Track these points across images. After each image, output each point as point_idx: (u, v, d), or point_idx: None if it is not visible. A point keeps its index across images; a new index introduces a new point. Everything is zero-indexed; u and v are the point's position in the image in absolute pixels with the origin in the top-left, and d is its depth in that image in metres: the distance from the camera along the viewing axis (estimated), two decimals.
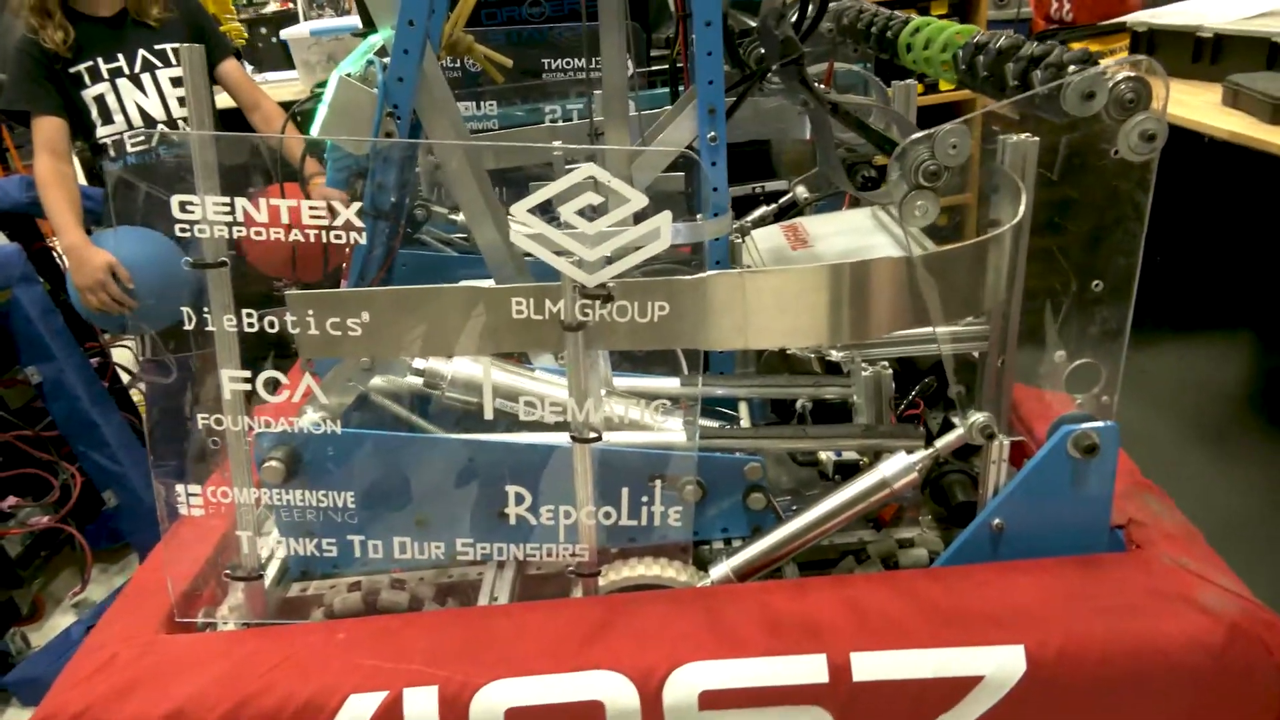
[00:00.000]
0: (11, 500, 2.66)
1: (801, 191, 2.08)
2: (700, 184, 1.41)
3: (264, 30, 5.87)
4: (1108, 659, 0.95)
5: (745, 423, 1.28)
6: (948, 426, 1.24)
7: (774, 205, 2.10)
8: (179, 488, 1.02)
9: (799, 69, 1.24)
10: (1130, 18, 2.78)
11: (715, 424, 1.31)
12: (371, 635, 1.03)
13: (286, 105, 2.92)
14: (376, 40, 1.40)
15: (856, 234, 1.70)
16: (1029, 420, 1.34)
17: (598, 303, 0.92)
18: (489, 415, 0.99)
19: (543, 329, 0.94)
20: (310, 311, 0.93)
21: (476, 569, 1.20)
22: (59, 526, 2.64)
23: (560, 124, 2.04)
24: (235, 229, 0.91)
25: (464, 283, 0.94)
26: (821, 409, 1.38)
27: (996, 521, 1.06)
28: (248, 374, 0.97)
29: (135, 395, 3.30)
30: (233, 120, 2.89)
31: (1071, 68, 0.95)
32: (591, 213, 0.90)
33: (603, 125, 1.42)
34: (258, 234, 0.92)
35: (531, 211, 0.90)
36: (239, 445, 1.00)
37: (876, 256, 1.54)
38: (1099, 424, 1.02)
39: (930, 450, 1.07)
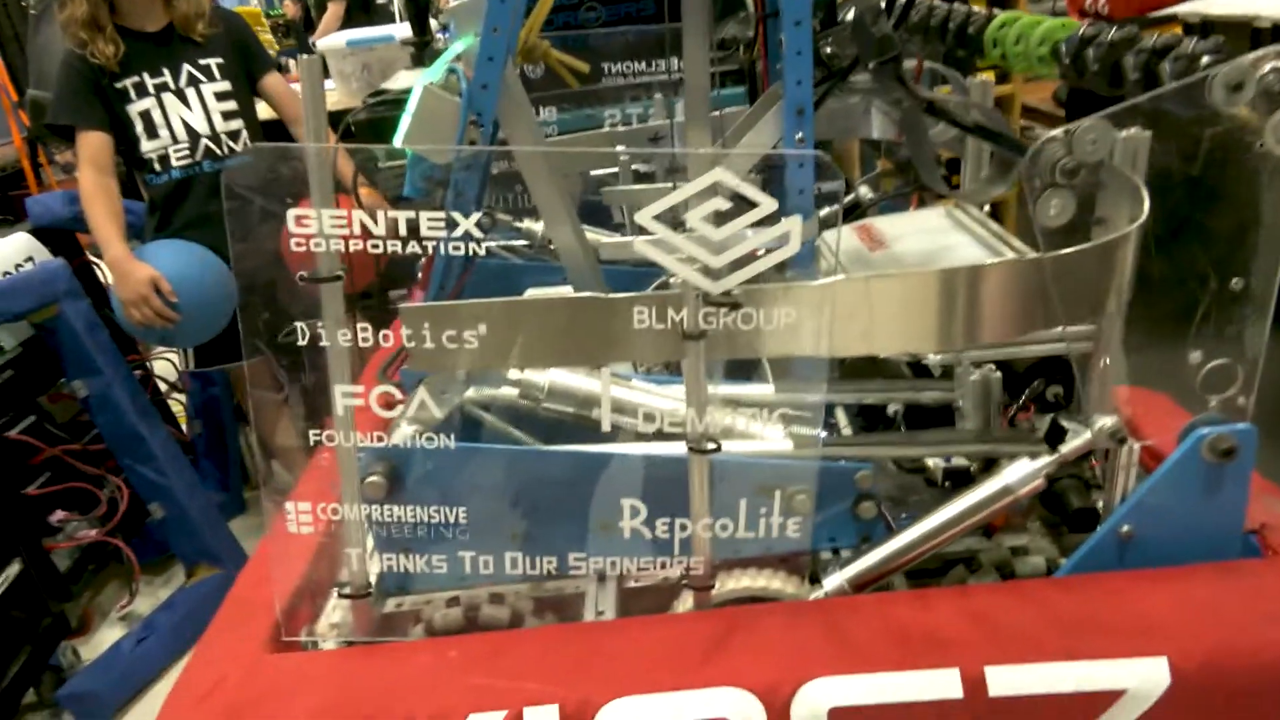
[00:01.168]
0: (60, 514, 2.66)
1: (865, 192, 2.05)
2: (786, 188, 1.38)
3: (289, 39, 5.87)
4: (1254, 669, 0.91)
5: (845, 429, 1.25)
6: (1055, 430, 1.21)
7: (833, 206, 2.07)
8: (288, 505, 0.99)
9: (896, 67, 1.21)
10: (1183, 8, 2.73)
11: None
12: (484, 653, 1.01)
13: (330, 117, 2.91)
14: (457, 48, 1.38)
15: (933, 234, 1.67)
16: (1138, 426, 1.31)
17: (721, 311, 0.89)
18: (606, 427, 0.96)
19: (663, 338, 0.92)
20: (426, 324, 0.91)
21: (574, 583, 1.18)
22: (106, 540, 2.63)
23: (620, 128, 2.02)
24: (352, 242, 0.89)
25: (585, 293, 0.91)
26: (914, 413, 1.35)
27: (1125, 528, 1.02)
28: (360, 389, 0.94)
29: (175, 407, 3.30)
30: (272, 133, 2.88)
31: (1205, 58, 0.92)
32: (719, 218, 0.87)
33: (683, 128, 1.39)
34: (375, 247, 0.89)
35: (657, 218, 0.87)
36: (350, 461, 0.98)
37: (960, 256, 1.52)
38: (1236, 426, 0.98)
39: (1056, 455, 1.03)
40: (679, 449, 0.98)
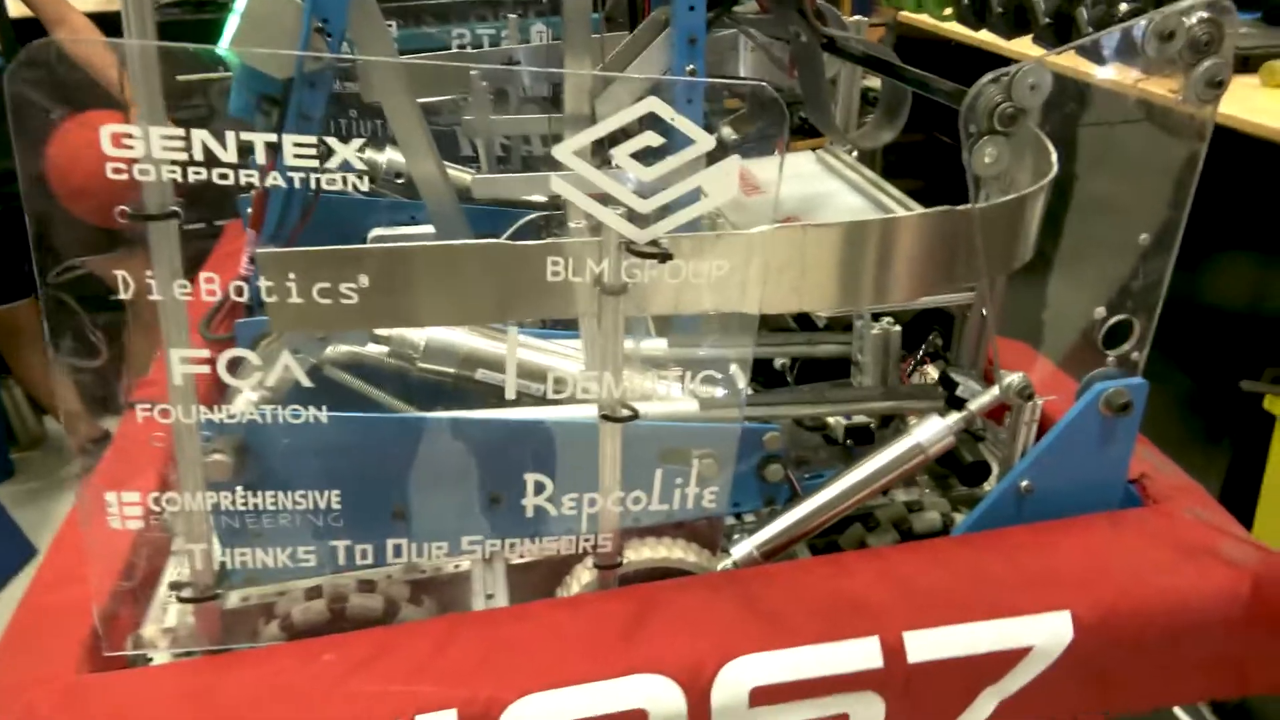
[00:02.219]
0: None
1: (728, 133, 1.98)
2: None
3: None
4: (1147, 619, 0.94)
5: (742, 385, 1.18)
6: (947, 383, 1.20)
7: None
8: (109, 496, 0.81)
9: None
10: None
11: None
12: (365, 654, 0.87)
13: (95, 17, 2.53)
14: None
15: (806, 180, 1.63)
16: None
17: (648, 262, 0.79)
18: (510, 394, 0.84)
19: (577, 292, 0.80)
20: (290, 275, 0.75)
21: (454, 563, 1.06)
22: None
23: (470, 50, 1.83)
24: (193, 170, 0.71)
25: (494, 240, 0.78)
26: (806, 368, 1.31)
27: (1025, 483, 1.03)
28: (205, 353, 0.77)
29: None
30: (27, 36, 2.46)
31: (1124, 5, 0.90)
32: (650, 156, 0.76)
33: (563, 52, 1.25)
34: (223, 177, 0.72)
35: (577, 153, 0.75)
36: (192, 441, 0.80)
37: (841, 202, 1.49)
38: (1132, 381, 1.00)
39: (965, 412, 1.01)
40: (579, 413, 0.88)
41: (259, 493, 0.89)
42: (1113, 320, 0.99)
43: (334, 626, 1.00)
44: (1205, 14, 0.84)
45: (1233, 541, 1.01)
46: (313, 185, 0.75)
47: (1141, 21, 0.84)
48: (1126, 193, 0.94)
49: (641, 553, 1.00)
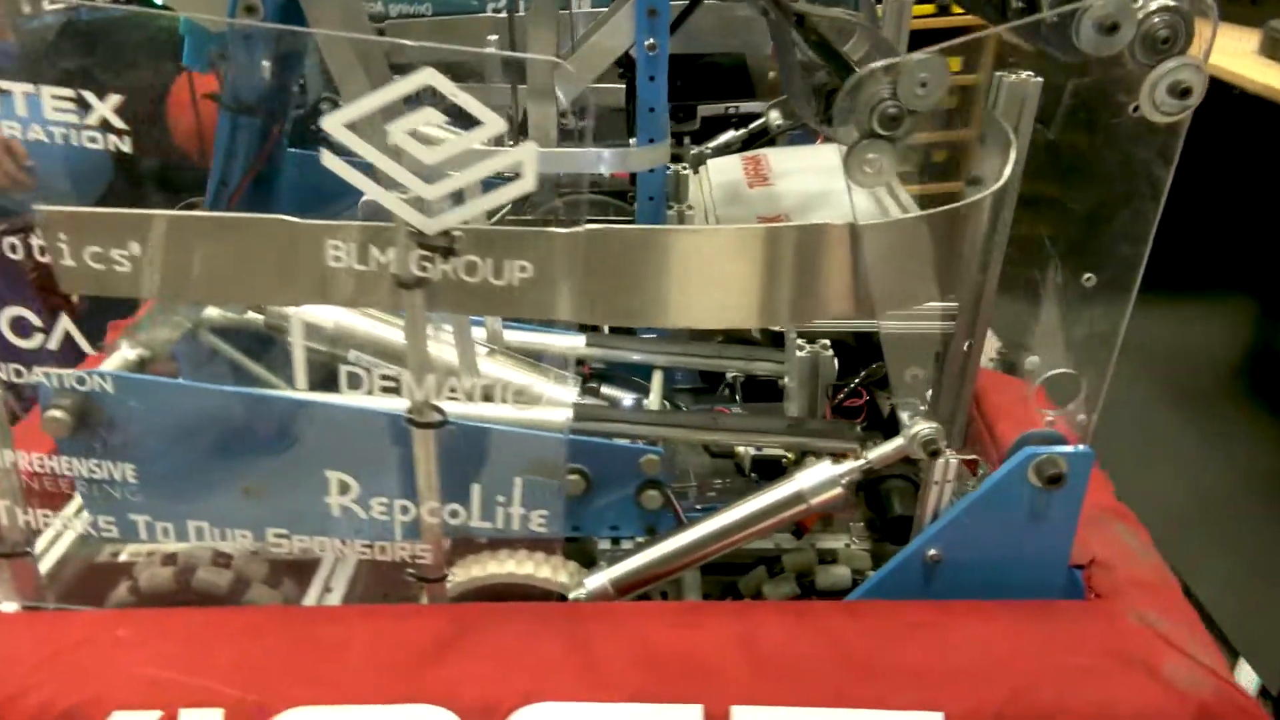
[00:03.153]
0: None
1: (775, 117, 1.82)
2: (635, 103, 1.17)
3: None
4: None
5: (654, 395, 1.07)
6: (893, 422, 1.04)
7: (743, 131, 1.85)
8: None
9: None
10: None
11: (627, 397, 1.10)
12: (159, 634, 0.84)
13: None
14: None
15: (822, 174, 1.47)
16: (991, 417, 1.15)
17: (437, 257, 0.70)
18: (300, 384, 0.78)
19: (371, 282, 0.72)
20: (62, 235, 0.71)
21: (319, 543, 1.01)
22: None
23: (503, 14, 1.76)
24: None
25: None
26: (756, 385, 1.18)
27: (932, 552, 0.87)
28: None
29: None
30: None
31: None
32: (431, 137, 0.67)
33: (526, 23, 1.17)
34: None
35: (354, 127, 0.67)
36: None
37: (840, 203, 1.33)
38: (1069, 450, 0.82)
39: (859, 462, 0.87)
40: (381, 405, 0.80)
41: (106, 456, 0.87)
42: (1050, 373, 0.81)
43: (178, 596, 0.98)
44: (1169, 3, 0.66)
45: (1181, 660, 0.81)
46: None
47: (1082, 8, 0.67)
48: (1066, 221, 0.76)
49: (481, 568, 0.93)
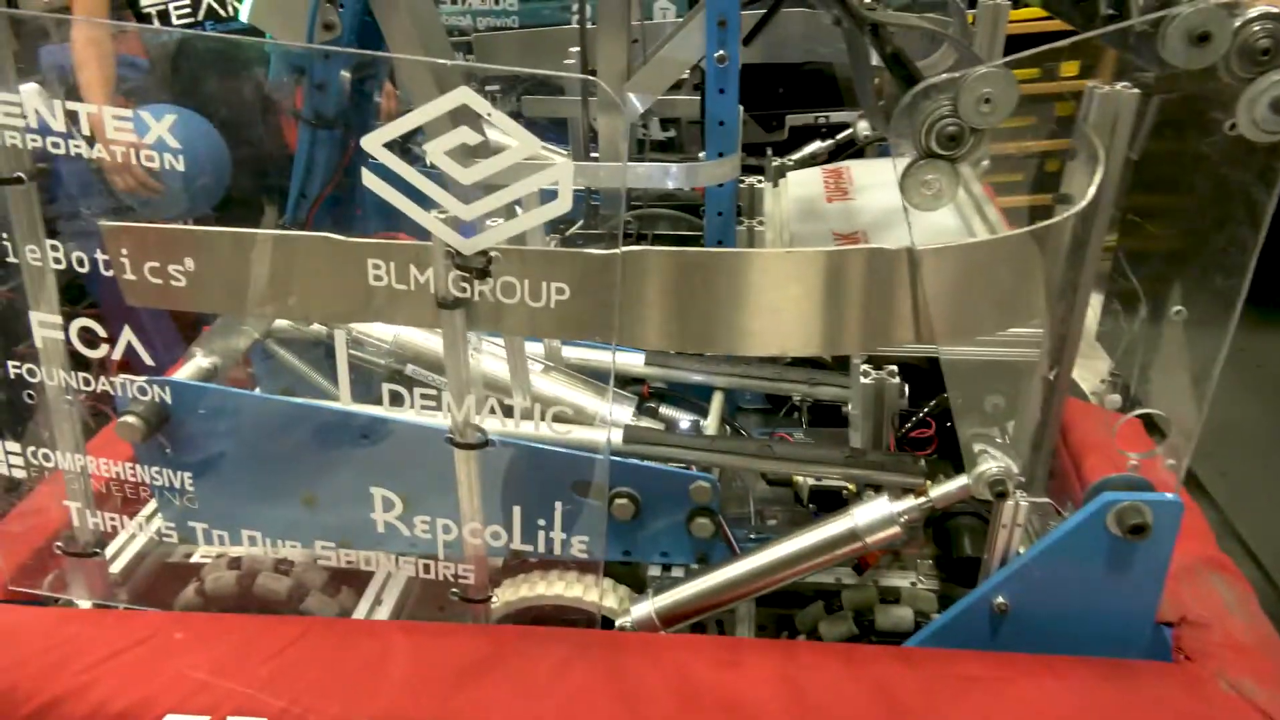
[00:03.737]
0: None
1: (864, 127, 1.76)
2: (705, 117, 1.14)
3: None
4: None
5: (713, 417, 1.04)
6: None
7: (829, 142, 1.80)
8: None
9: None
10: None
11: (685, 418, 1.07)
12: (214, 640, 0.86)
13: None
14: None
15: None
16: (1078, 450, 1.07)
17: (475, 276, 0.69)
18: (344, 397, 0.78)
19: (410, 302, 0.72)
20: (124, 250, 0.73)
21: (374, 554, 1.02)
22: None
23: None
24: (30, 137, 0.71)
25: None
26: (824, 408, 1.13)
27: (1000, 600, 0.81)
28: (59, 319, 0.78)
29: None
30: None
31: None
32: (468, 157, 0.66)
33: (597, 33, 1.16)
34: (55, 146, 0.71)
35: (390, 146, 0.66)
36: (60, 402, 0.82)
37: (920, 221, 1.27)
38: (1156, 497, 0.75)
39: (920, 500, 0.82)
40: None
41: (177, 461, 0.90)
42: (1133, 414, 0.74)
43: (241, 600, 1.00)
44: (1271, 9, 0.59)
45: None
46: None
47: (1169, 16, 0.60)
48: (1152, 249, 0.70)
49: (529, 588, 0.91)
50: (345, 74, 1.21)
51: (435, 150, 0.66)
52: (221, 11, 2.43)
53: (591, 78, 1.03)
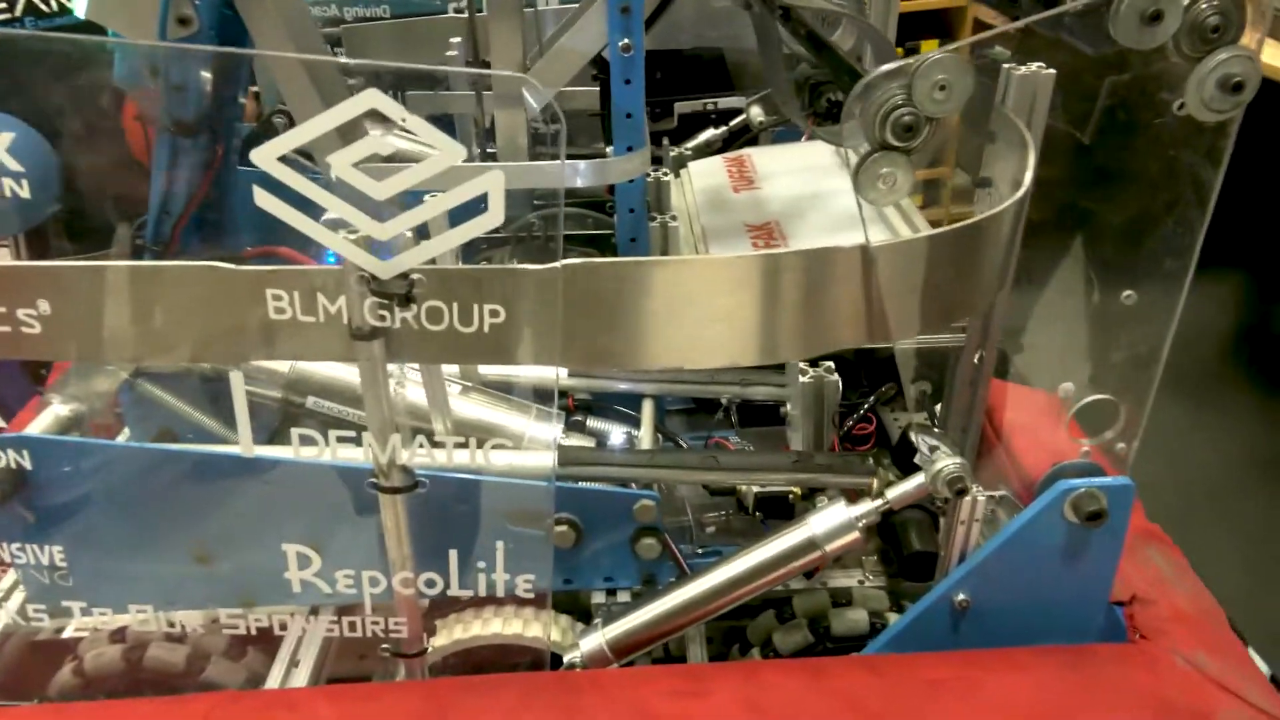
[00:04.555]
0: None
1: (757, 113, 1.74)
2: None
3: None
4: None
5: (646, 428, 0.99)
6: (906, 442, 0.96)
7: (723, 129, 1.77)
8: None
9: None
10: None
11: (616, 430, 1.01)
12: None
13: None
14: None
15: (813, 174, 1.38)
16: (1007, 432, 1.07)
17: (395, 304, 0.61)
18: (244, 441, 0.68)
19: (320, 335, 0.63)
20: None
21: (286, 611, 0.92)
22: None
23: (465, 14, 1.66)
24: None
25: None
26: (754, 407, 1.10)
27: (961, 597, 0.79)
28: None
29: None
30: None
31: None
32: (380, 169, 0.58)
33: (486, 22, 1.07)
34: None
35: (287, 160, 0.57)
36: None
37: (836, 206, 1.25)
38: (1109, 481, 0.75)
39: (878, 503, 0.79)
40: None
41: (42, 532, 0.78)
42: (1086, 400, 0.74)
43: (129, 679, 0.89)
44: None
45: (1237, 708, 0.74)
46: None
47: None
48: (1103, 233, 0.68)
49: (466, 630, 0.84)
50: (205, 74, 1.08)
51: (341, 162, 0.57)
52: (44, 7, 2.20)
53: (526, 77, 0.96)
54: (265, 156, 0.57)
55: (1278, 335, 2.83)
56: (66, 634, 0.94)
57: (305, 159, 0.61)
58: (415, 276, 0.61)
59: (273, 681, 0.86)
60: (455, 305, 0.62)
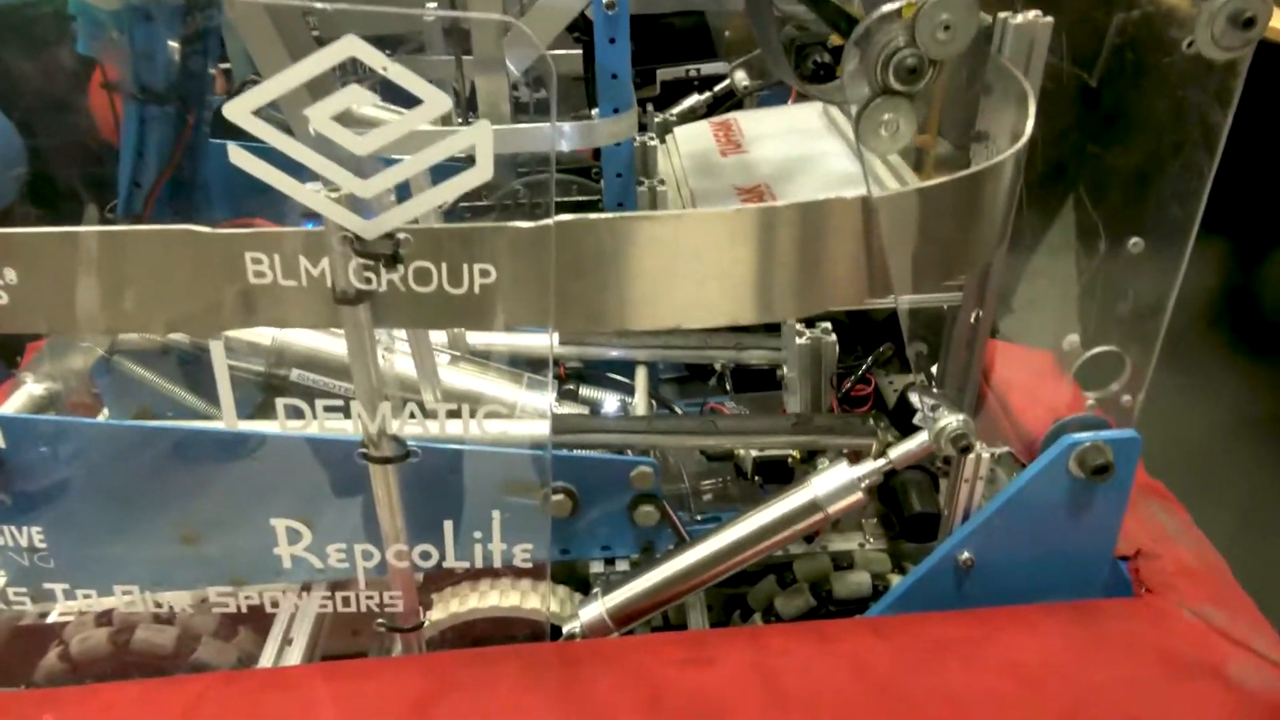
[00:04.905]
0: None
1: (741, 78, 1.71)
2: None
3: None
4: None
5: (640, 394, 0.97)
6: (903, 406, 0.95)
7: (707, 94, 1.74)
8: None
9: None
10: None
11: (610, 398, 0.99)
12: (92, 718, 0.73)
13: None
14: None
15: (801, 136, 1.36)
16: (1003, 390, 1.06)
17: (381, 265, 0.58)
18: (228, 415, 0.66)
19: (302, 300, 0.61)
20: None
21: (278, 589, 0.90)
22: None
23: None
24: None
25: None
26: (749, 371, 1.08)
27: (965, 556, 0.78)
28: None
29: None
30: None
31: None
32: (361, 123, 0.55)
33: None
34: None
35: (264, 114, 0.54)
36: None
37: (826, 168, 1.23)
38: (1116, 434, 0.73)
39: (880, 463, 0.77)
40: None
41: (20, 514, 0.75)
42: (1091, 352, 0.72)
43: (116, 662, 0.86)
44: None
45: (1246, 659, 0.74)
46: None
47: None
48: (1109, 179, 0.67)
49: (463, 603, 0.82)
50: (172, 42, 1.05)
51: (320, 115, 0.54)
52: None
53: (509, 18, 0.92)
54: (239, 111, 0.54)
55: (1259, 299, 2.85)
56: (51, 618, 0.91)
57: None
58: (401, 236, 0.58)
59: (266, 660, 0.85)
60: (444, 265, 0.59)
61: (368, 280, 0.60)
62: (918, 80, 0.59)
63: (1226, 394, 2.44)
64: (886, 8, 0.59)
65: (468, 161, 0.57)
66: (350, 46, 0.53)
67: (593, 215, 0.61)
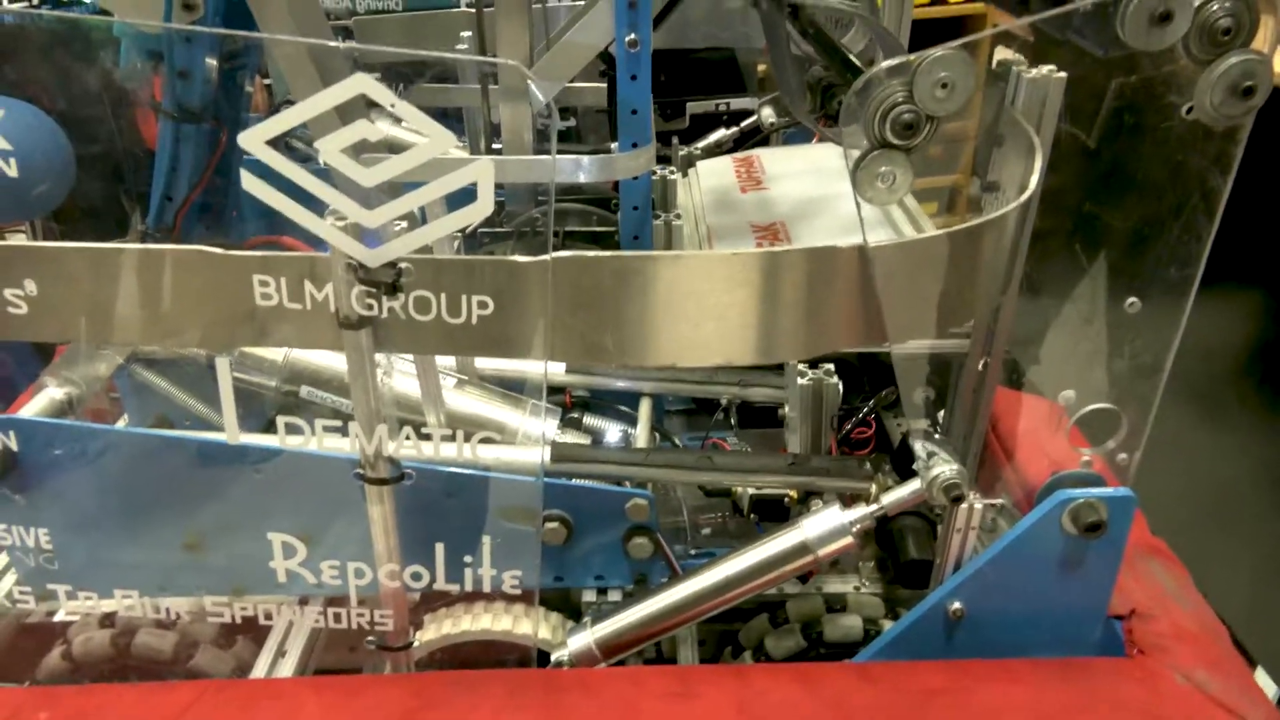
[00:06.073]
0: None
1: (768, 114, 1.72)
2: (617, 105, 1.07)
3: None
4: None
5: (642, 426, 0.98)
6: (905, 450, 0.95)
7: (734, 129, 1.76)
8: None
9: None
10: None
11: (613, 428, 1.00)
12: (88, 718, 0.75)
13: None
14: None
15: (821, 176, 1.37)
16: (1008, 439, 1.06)
17: (382, 292, 0.60)
18: (230, 428, 0.68)
19: (307, 322, 0.63)
20: None
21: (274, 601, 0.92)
22: None
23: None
24: None
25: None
26: (754, 408, 1.08)
27: (955, 606, 0.78)
28: None
29: None
30: None
31: None
32: (368, 156, 0.57)
33: (495, 18, 1.07)
34: None
35: (276, 144, 0.57)
36: None
37: (840, 211, 1.24)
38: (1109, 493, 0.73)
39: (872, 508, 0.77)
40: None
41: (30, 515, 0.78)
42: (1086, 409, 0.72)
43: (116, 665, 0.88)
44: None
45: None
46: None
47: None
48: (1107, 239, 0.67)
49: (455, 624, 0.83)
50: (211, 60, 1.08)
51: (330, 147, 0.56)
52: None
53: (518, 65, 0.95)
54: (253, 140, 0.56)
55: None
56: (57, 618, 0.94)
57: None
58: (403, 266, 0.60)
59: (259, 671, 0.86)
60: (443, 296, 0.61)
61: (369, 306, 0.62)
62: (914, 136, 0.60)
63: (1255, 447, 2.39)
64: (887, 63, 0.60)
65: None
66: (360, 84, 0.55)
67: (591, 253, 0.63)
